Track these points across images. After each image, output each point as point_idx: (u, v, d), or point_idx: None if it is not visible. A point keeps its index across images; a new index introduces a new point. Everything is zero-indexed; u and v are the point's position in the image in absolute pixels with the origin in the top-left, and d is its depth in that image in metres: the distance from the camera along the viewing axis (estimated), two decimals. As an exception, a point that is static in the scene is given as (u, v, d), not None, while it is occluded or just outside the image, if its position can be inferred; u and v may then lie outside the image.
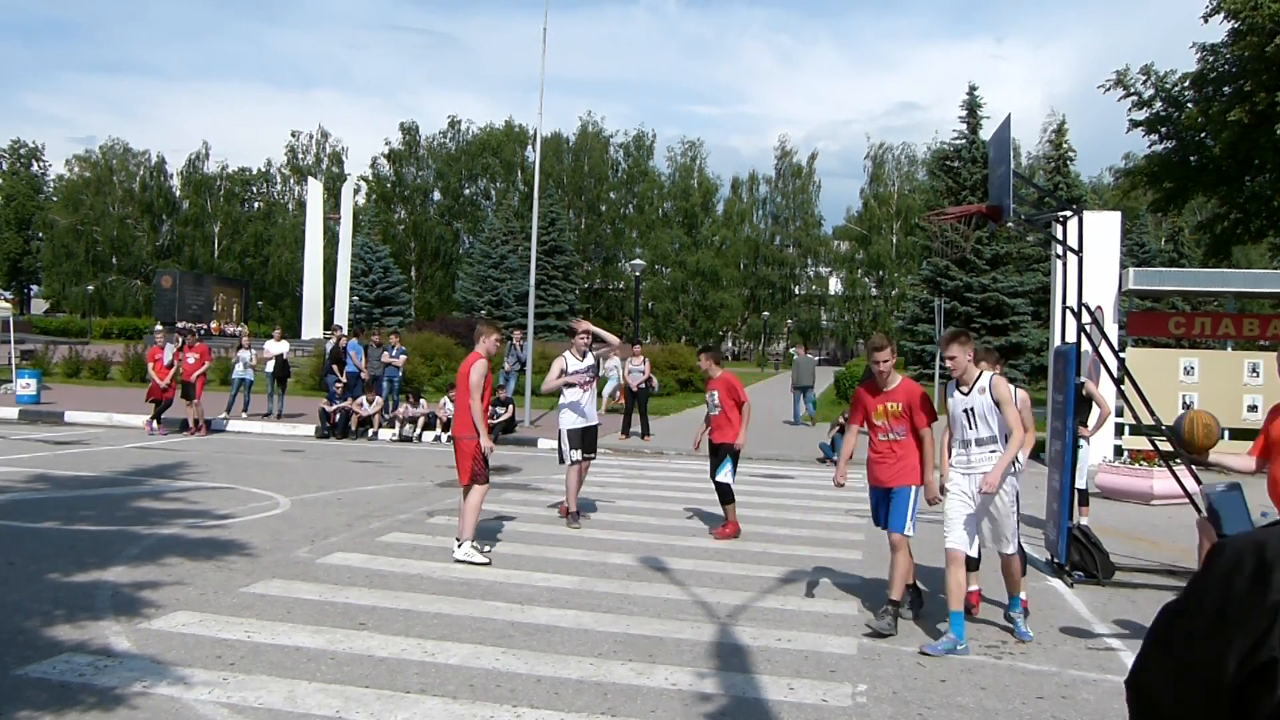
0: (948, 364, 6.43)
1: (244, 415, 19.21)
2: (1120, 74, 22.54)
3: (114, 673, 5.13)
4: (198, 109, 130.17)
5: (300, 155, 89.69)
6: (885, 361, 6.74)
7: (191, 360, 17.23)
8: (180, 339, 18.54)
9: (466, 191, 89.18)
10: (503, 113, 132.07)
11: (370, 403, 17.97)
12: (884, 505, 6.76)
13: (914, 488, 6.59)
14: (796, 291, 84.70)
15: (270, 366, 19.70)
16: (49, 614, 6.10)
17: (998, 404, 6.30)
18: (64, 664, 5.25)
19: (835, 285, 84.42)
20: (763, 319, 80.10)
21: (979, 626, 6.65)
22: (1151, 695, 1.40)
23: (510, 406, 18.05)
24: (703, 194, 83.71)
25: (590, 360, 10.22)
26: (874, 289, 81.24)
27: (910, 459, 6.62)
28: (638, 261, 29.01)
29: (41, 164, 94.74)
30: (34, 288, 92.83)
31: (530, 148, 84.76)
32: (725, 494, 9.69)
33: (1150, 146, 23.43)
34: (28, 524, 8.92)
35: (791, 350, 40.69)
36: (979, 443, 6.35)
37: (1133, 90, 22.55)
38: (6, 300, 32.70)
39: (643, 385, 18.37)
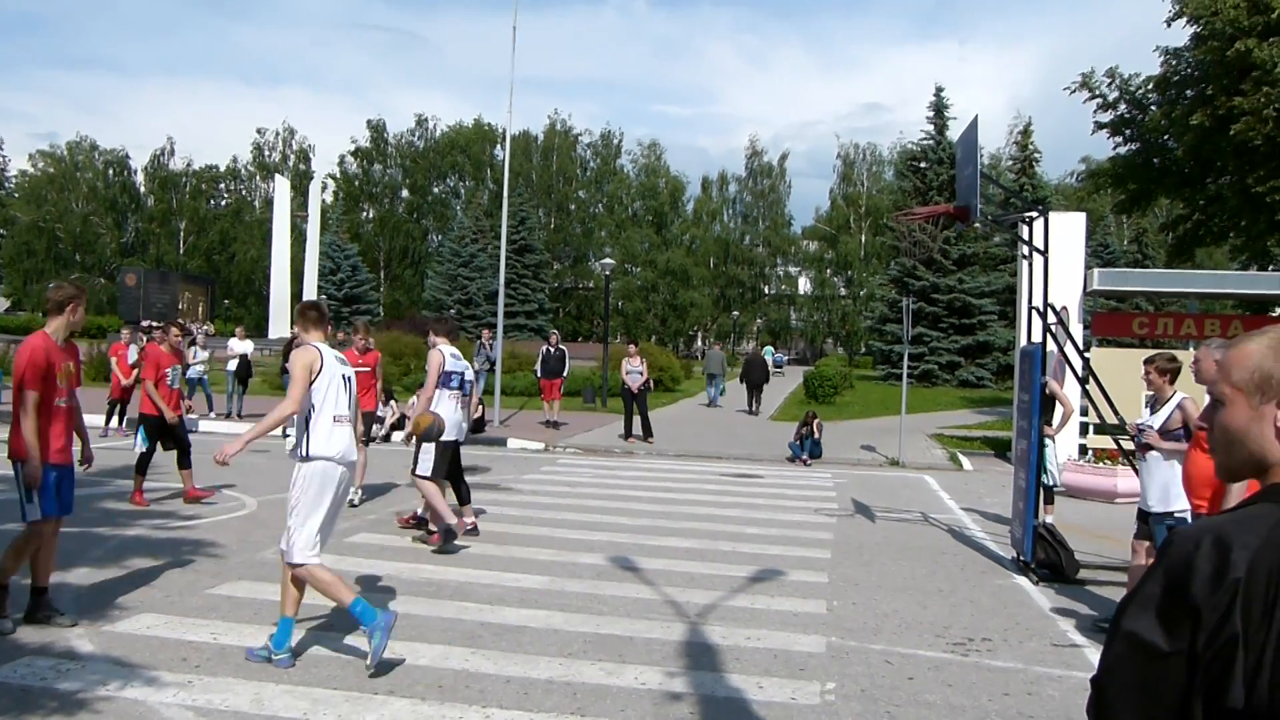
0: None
1: (212, 415, 19.02)
2: (1085, 76, 22.74)
3: (78, 676, 5.06)
4: (163, 105, 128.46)
5: (267, 153, 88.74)
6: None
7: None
8: (144, 337, 18.30)
9: (435, 190, 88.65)
10: (471, 111, 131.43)
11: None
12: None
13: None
14: (766, 291, 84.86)
15: (233, 365, 19.48)
16: (11, 616, 6.01)
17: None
18: (25, 667, 5.18)
19: (804, 285, 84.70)
20: (732, 318, 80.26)
21: (945, 624, 6.71)
22: (1116, 690, 1.43)
23: (480, 406, 17.95)
24: (670, 193, 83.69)
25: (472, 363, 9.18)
26: (843, 289, 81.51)
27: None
28: (607, 261, 29.00)
29: (2, 159, 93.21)
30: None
31: (499, 146, 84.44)
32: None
33: (1115, 149, 23.67)
34: (-12, 525, 8.78)
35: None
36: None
37: (1098, 92, 22.74)
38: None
39: (643, 387, 18.16)
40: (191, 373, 19.42)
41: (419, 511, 8.90)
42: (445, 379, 8.58)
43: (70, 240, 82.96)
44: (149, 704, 4.74)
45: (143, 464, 10.30)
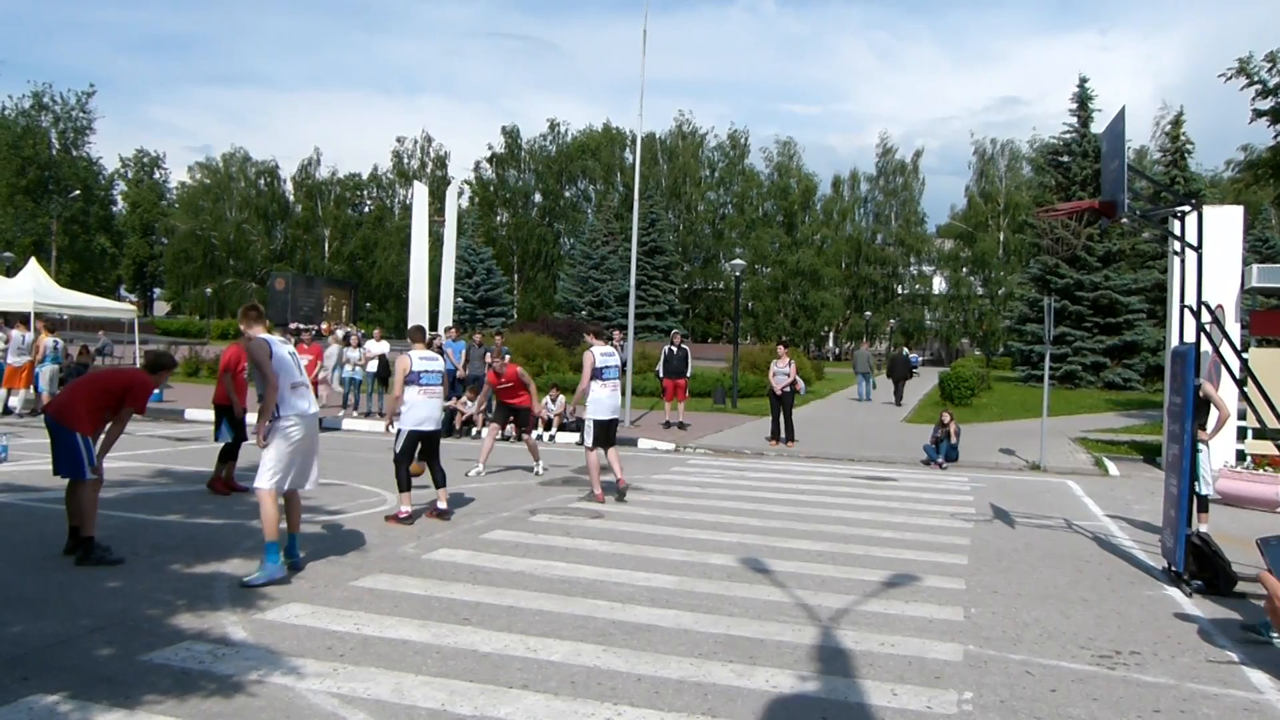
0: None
1: (355, 414, 19.74)
2: (1243, 62, 21.58)
3: (231, 661, 5.32)
4: (310, 117, 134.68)
5: (406, 160, 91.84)
6: None
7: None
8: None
9: (567, 194, 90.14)
10: (601, 115, 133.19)
11: (473, 402, 18.27)
12: None
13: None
14: (899, 291, 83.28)
15: (373, 366, 20.19)
16: (171, 603, 6.36)
17: None
18: (185, 651, 5.46)
19: (939, 284, 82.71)
20: (865, 319, 78.98)
21: (1090, 635, 6.45)
22: None
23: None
24: (802, 192, 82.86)
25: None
26: (980, 288, 79.26)
27: None
28: (738, 261, 28.81)
29: (163, 171, 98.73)
30: (156, 290, 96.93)
31: (629, 149, 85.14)
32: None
33: (1276, 137, 22.39)
34: (152, 516, 9.32)
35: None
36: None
37: (1256, 78, 21.55)
38: (131, 303, 34.26)
39: (787, 389, 17.89)
40: (345, 373, 20.30)
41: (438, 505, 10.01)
42: (414, 377, 9.74)
43: (224, 247, 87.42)
44: (296, 690, 4.95)
45: (228, 453, 11.13)
